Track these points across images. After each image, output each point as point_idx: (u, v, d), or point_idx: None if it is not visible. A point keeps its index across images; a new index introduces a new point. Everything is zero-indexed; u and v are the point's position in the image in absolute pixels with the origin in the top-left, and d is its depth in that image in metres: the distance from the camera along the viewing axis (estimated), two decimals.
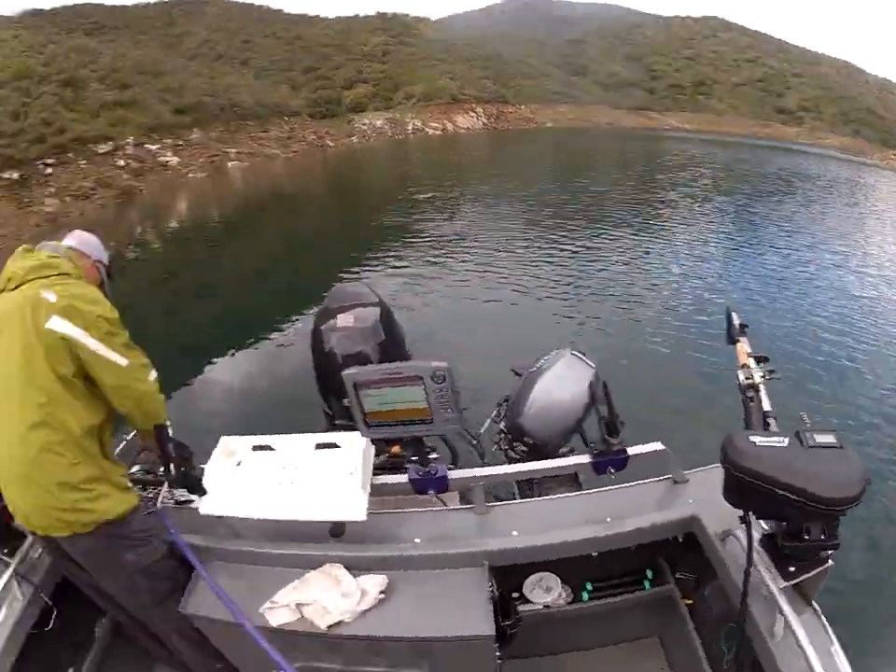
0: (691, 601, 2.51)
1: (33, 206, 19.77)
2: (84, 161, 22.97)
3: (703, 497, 2.29)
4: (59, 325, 1.99)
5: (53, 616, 2.30)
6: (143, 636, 2.44)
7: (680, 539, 2.36)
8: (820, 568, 1.82)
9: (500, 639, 1.99)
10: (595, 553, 2.29)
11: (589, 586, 2.54)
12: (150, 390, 2.19)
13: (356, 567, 2.11)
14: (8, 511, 2.12)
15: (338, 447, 2.35)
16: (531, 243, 13.54)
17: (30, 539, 2.29)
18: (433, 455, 2.46)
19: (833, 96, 60.77)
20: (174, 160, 27.03)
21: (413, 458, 2.39)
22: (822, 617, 1.88)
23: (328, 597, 2.00)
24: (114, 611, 2.40)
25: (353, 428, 2.26)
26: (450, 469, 2.39)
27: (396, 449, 2.78)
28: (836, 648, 1.78)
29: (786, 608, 1.79)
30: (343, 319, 2.91)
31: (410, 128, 44.01)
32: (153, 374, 2.23)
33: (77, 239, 2.41)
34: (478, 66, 53.35)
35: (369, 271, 11.60)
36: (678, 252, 13.31)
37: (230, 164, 29.49)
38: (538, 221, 15.76)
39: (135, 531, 2.16)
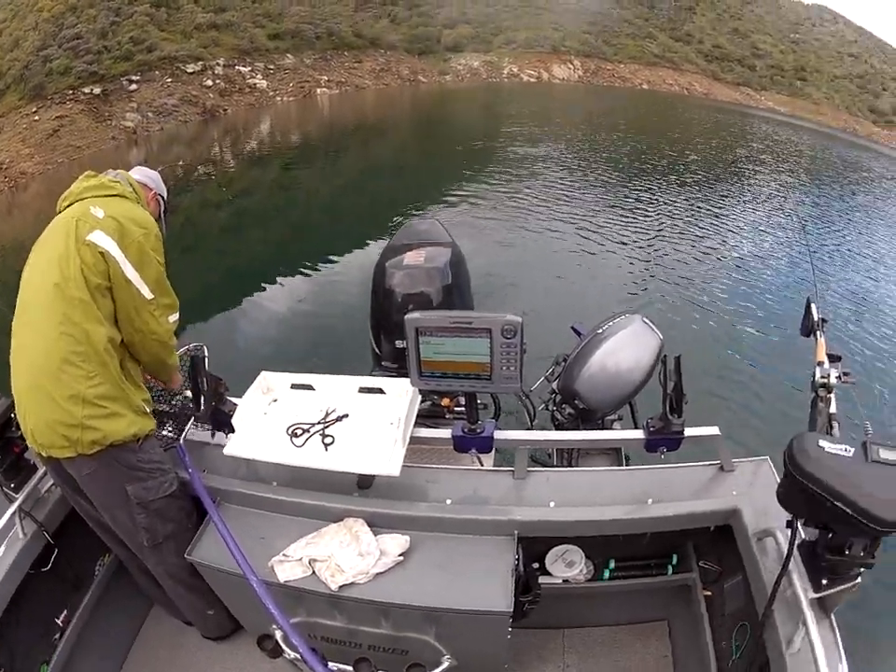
0: (709, 592, 2.42)
1: (112, 120, 20.25)
2: (170, 80, 23.42)
3: (746, 490, 2.16)
4: (100, 239, 1.94)
5: (54, 555, 2.24)
6: (140, 574, 2.39)
7: (712, 529, 2.27)
8: (849, 584, 1.75)
9: (515, 614, 1.89)
10: (624, 533, 2.20)
11: (612, 564, 2.42)
12: (162, 331, 2.09)
13: (378, 525, 2.00)
14: (21, 443, 2.11)
15: (383, 393, 2.21)
16: (610, 203, 13.01)
17: (39, 473, 2.24)
18: (481, 411, 2.27)
19: None
20: (263, 83, 27.29)
21: (458, 412, 2.17)
22: (837, 632, 1.79)
23: (343, 554, 1.89)
24: (115, 547, 2.33)
25: (399, 373, 2.07)
26: (496, 428, 2.21)
27: (446, 401, 2.63)
28: (844, 666, 1.71)
29: (810, 619, 1.71)
30: (412, 257, 2.74)
31: (505, 72, 43.55)
32: (173, 317, 2.16)
33: (141, 172, 2.41)
34: (584, 20, 51.83)
35: (442, 209, 11.28)
36: (761, 232, 12.70)
37: (319, 91, 29.63)
38: (620, 182, 15.09)
39: (143, 461, 2.05)
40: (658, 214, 12.42)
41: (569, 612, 2.57)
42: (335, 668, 2.02)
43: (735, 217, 13.37)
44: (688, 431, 2.13)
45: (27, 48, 21.28)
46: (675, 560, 2.44)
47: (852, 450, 1.61)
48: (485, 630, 1.92)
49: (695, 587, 2.43)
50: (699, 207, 13.51)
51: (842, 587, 1.74)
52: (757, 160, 21.81)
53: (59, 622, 2.31)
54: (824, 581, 1.74)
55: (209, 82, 24.70)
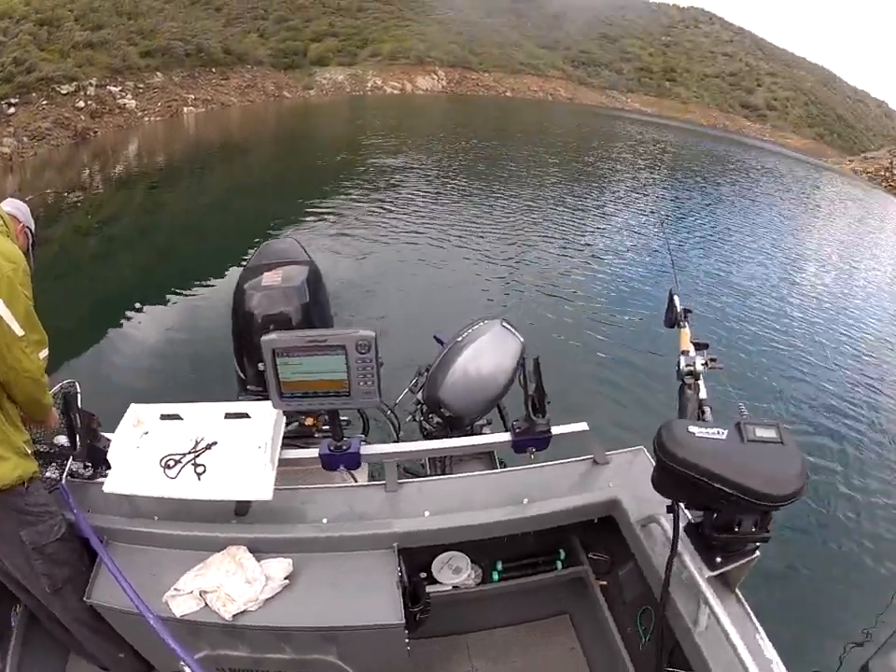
0: (604, 582, 2.48)
1: None
2: (46, 102, 22.27)
3: (624, 480, 2.24)
4: None
5: None
6: (50, 622, 2.29)
7: (596, 521, 2.31)
8: (747, 559, 1.80)
9: (409, 625, 1.93)
10: (505, 535, 2.23)
11: (499, 566, 2.48)
12: (34, 368, 2.01)
13: (260, 549, 2.00)
14: None
15: (248, 417, 2.20)
16: (470, 211, 13.27)
17: None
18: (346, 428, 2.34)
19: (803, 99, 62.06)
20: (132, 103, 26.36)
21: (326, 430, 2.20)
22: (746, 605, 1.87)
23: (231, 583, 1.90)
24: (22, 596, 2.24)
25: (265, 396, 2.08)
26: (364, 442, 2.26)
27: (310, 421, 2.65)
28: (762, 636, 1.77)
29: (711, 597, 1.76)
30: (270, 277, 2.72)
31: (369, 85, 43.82)
32: (43, 353, 2.09)
33: (12, 204, 2.37)
34: (451, 30, 52.87)
35: (303, 227, 11.23)
36: (622, 230, 13.27)
37: (185, 110, 28.89)
38: (479, 190, 15.46)
39: (31, 504, 1.99)
40: (518, 218, 12.80)
41: (469, 617, 2.59)
42: None
43: (595, 217, 13.98)
44: (556, 429, 2.21)
45: None
46: (563, 555, 2.51)
47: (725, 432, 1.65)
48: (383, 644, 1.94)
49: (588, 578, 2.49)
50: (559, 209, 14.03)
51: (738, 563, 1.79)
52: (619, 159, 23.02)
53: None
54: (718, 559, 1.78)
55: (81, 103, 23.55)
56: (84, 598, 1.98)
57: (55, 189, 15.99)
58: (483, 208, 13.47)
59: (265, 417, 2.14)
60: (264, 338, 1.88)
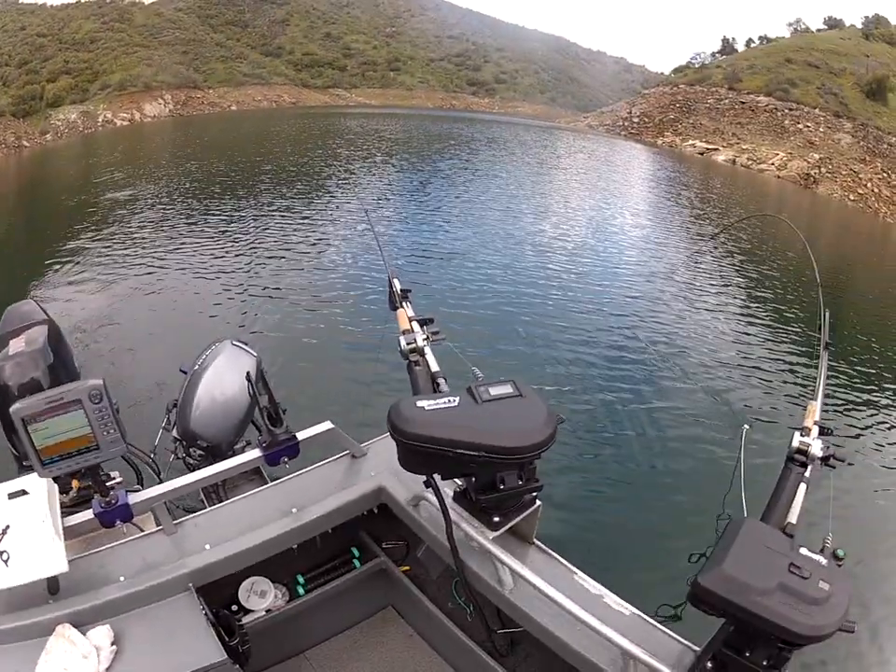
0: (407, 567, 2.57)
1: None
2: None
3: (386, 467, 2.34)
4: None
5: None
6: None
7: (376, 511, 2.39)
8: (528, 511, 1.86)
9: (237, 658, 1.93)
10: (294, 546, 2.28)
11: (301, 579, 2.50)
12: None
13: (81, 623, 1.90)
14: None
15: (27, 494, 2.06)
16: (193, 232, 13.07)
17: None
18: (115, 482, 2.25)
19: (533, 68, 65.51)
20: None
21: (94, 489, 2.13)
22: (554, 553, 1.97)
23: (74, 664, 1.80)
24: None
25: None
26: (135, 490, 2.21)
27: (76, 483, 2.51)
28: (582, 576, 1.89)
29: (503, 555, 1.82)
30: (15, 345, 2.55)
31: (100, 120, 41.80)
32: None
33: None
34: (177, 51, 51.61)
35: (44, 284, 10.50)
36: (334, 224, 13.65)
37: None
38: (203, 208, 15.22)
39: None
40: (250, 233, 12.81)
41: (297, 636, 2.58)
42: None
43: (313, 219, 14.15)
44: (301, 434, 2.25)
45: None
46: (357, 553, 2.57)
47: (457, 399, 1.71)
48: None
49: (390, 567, 2.57)
50: (283, 217, 14.15)
51: (521, 516, 1.86)
52: (333, 155, 23.50)
53: None
54: (496, 519, 1.84)
55: None
56: None
57: None
58: (206, 226, 13.36)
59: (37, 489, 2.04)
60: (13, 409, 1.81)
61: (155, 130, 39.49)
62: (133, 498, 2.12)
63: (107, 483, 2.07)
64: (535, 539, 2.00)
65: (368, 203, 15.06)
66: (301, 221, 13.63)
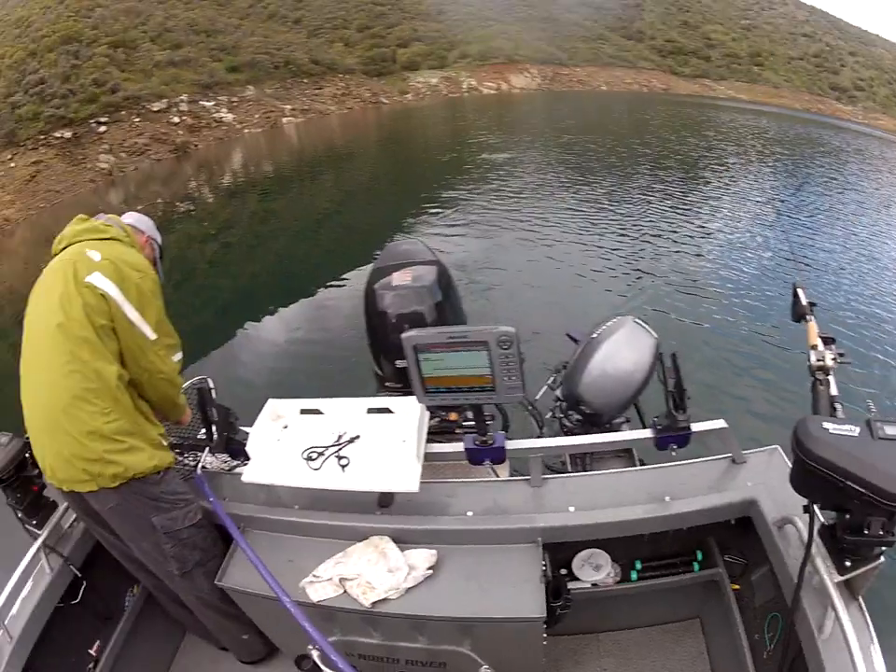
0: (738, 586, 2.41)
1: (87, 163, 20.28)
2: (138, 119, 23.51)
3: (761, 480, 2.16)
4: (99, 281, 1.97)
5: (82, 588, 2.28)
6: (171, 603, 2.42)
7: (733, 522, 2.25)
8: (873, 565, 1.73)
9: (548, 620, 1.90)
10: (648, 532, 2.18)
11: (638, 565, 2.42)
12: (168, 370, 2.14)
13: (404, 540, 2.03)
14: (39, 481, 2.17)
15: (391, 412, 2.24)
16: (580, 207, 13.08)
17: (60, 509, 2.28)
18: (490, 423, 2.30)
19: (886, 78, 58.21)
20: (229, 116, 27.43)
21: (469, 425, 2.22)
22: (867, 614, 1.78)
23: (373, 572, 1.92)
24: (143, 577, 2.37)
25: (404, 392, 2.12)
26: (506, 438, 2.25)
27: (454, 416, 2.64)
28: (876, 647, 1.70)
29: (838, 603, 1.69)
30: (399, 277, 2.74)
31: (465, 86, 43.95)
32: (177, 356, 2.20)
33: (133, 217, 2.44)
34: (534, 27, 52.27)
35: (422, 229, 11.35)
36: (738, 222, 12.74)
37: (285, 120, 29.76)
38: (596, 186, 15.15)
39: (167, 492, 2.10)
40: (636, 214, 12.49)
41: (602, 616, 2.57)
42: None
43: (710, 210, 13.45)
44: (695, 426, 2.15)
45: None
46: (700, 556, 2.45)
47: (857, 429, 1.60)
48: (520, 637, 1.93)
49: (723, 582, 2.42)
50: (673, 204, 13.60)
51: (865, 568, 1.73)
52: (723, 150, 21.98)
53: (92, 652, 2.34)
54: (847, 563, 1.73)
55: (176, 119, 24.91)
56: (216, 581, 2.06)
57: (164, 200, 17.00)
58: (594, 203, 13.25)
59: (409, 411, 2.17)
60: (405, 335, 1.90)
61: (524, 101, 41.10)
62: (511, 445, 2.18)
63: (488, 423, 2.16)
64: (860, 598, 1.80)
65: (774, 206, 14.08)
66: (700, 214, 13.18)
